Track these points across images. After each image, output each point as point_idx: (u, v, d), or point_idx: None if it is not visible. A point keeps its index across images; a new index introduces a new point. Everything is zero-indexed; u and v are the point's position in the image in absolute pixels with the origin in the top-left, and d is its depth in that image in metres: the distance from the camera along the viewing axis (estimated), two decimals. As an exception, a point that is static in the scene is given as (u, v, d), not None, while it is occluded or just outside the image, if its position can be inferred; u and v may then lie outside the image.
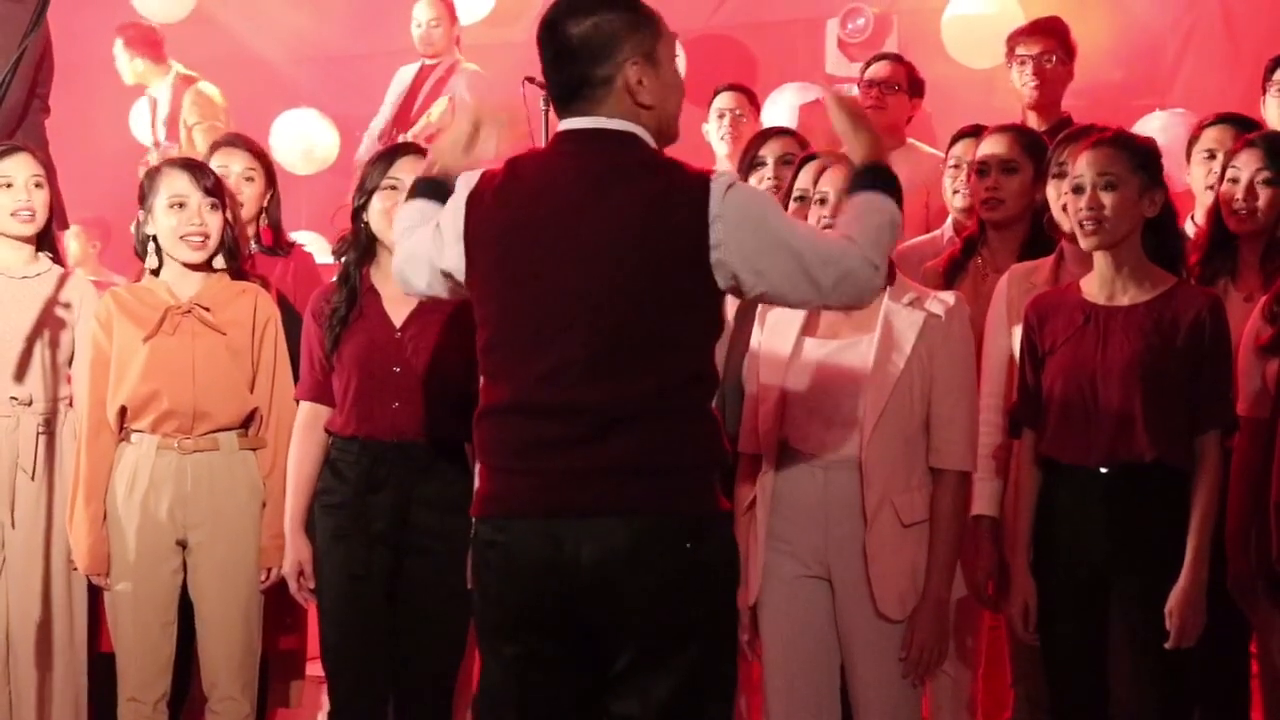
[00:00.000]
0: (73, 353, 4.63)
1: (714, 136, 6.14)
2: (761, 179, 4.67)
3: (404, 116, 8.19)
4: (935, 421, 3.74)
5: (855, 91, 6.43)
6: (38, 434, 4.59)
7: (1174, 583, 3.72)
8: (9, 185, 4.61)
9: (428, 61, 8.27)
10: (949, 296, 3.84)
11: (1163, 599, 3.72)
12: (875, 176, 3.28)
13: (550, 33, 3.17)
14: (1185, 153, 4.62)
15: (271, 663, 4.60)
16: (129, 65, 8.28)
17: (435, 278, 3.28)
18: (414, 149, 4.38)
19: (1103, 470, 3.80)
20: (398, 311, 4.15)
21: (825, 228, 3.73)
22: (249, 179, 5.03)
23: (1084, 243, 3.87)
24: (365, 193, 4.23)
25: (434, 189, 3.37)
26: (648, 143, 3.17)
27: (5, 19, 5.71)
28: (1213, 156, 4.50)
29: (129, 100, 8.48)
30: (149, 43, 8.30)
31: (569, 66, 3.16)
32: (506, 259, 3.13)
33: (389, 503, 4.10)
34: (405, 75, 8.36)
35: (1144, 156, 3.86)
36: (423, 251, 3.29)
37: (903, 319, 3.74)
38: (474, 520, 3.22)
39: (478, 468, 3.26)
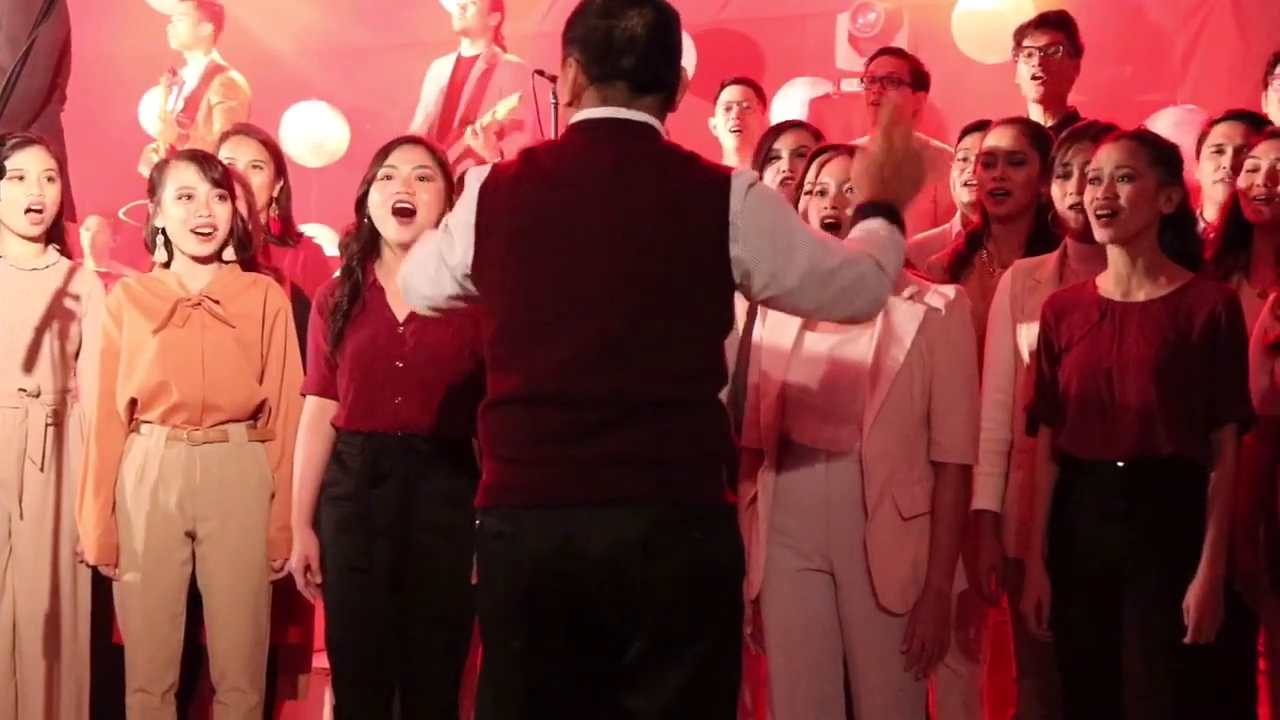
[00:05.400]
0: (80, 345, 4.63)
1: (721, 130, 6.15)
2: (777, 172, 4.66)
3: (449, 114, 7.93)
4: (936, 415, 3.74)
5: (859, 86, 6.42)
6: (46, 425, 4.60)
7: (1191, 577, 3.72)
8: (21, 178, 4.61)
9: (464, 54, 8.06)
10: (949, 290, 3.83)
11: (1180, 594, 3.72)
12: (882, 210, 3.26)
13: (628, 24, 3.12)
14: (1195, 148, 4.61)
15: (279, 655, 4.61)
16: (186, 26, 8.25)
17: (441, 277, 3.23)
18: (410, 139, 4.37)
19: (1120, 465, 3.80)
20: (400, 306, 4.08)
21: (826, 219, 3.76)
22: (257, 167, 5.03)
23: (1099, 234, 3.86)
24: (365, 184, 4.21)
25: None
26: (663, 134, 3.17)
27: (25, 6, 5.72)
28: (1221, 152, 4.51)
29: (137, 93, 8.48)
30: (215, 15, 8.32)
31: (649, 62, 3.14)
32: (520, 247, 3.11)
33: (392, 496, 4.08)
34: (441, 71, 8.08)
35: (1163, 153, 3.87)
36: (428, 253, 3.26)
37: (903, 312, 3.73)
38: (479, 511, 3.19)
39: (483, 459, 3.24)
